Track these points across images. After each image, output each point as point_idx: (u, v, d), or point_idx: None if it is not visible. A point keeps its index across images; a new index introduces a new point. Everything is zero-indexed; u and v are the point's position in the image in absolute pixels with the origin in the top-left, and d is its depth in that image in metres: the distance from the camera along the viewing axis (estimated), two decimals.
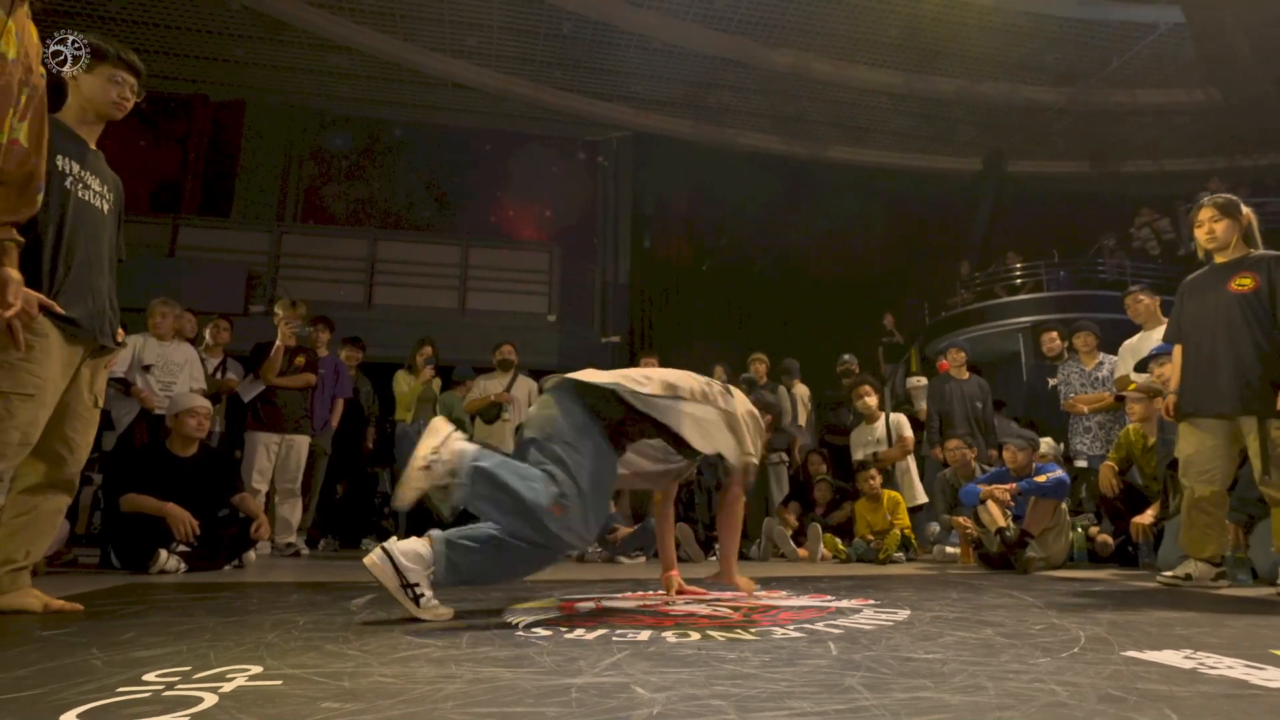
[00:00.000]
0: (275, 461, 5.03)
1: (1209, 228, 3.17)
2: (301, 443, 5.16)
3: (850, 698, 1.07)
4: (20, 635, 1.67)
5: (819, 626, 1.81)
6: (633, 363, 7.88)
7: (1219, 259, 3.20)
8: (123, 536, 3.52)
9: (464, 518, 1.94)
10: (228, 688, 1.11)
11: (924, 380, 7.05)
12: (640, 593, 2.68)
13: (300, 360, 5.23)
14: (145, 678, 1.17)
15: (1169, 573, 3.21)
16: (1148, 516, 4.16)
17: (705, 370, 2.96)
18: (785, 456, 6.24)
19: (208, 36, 9.87)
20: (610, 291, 11.51)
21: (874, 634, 1.70)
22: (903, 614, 2.06)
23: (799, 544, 5.33)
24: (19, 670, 1.25)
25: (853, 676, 1.22)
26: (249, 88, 10.98)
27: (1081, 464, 5.17)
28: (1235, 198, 3.24)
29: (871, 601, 2.38)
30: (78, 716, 0.94)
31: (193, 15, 9.44)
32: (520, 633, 1.70)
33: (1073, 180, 12.99)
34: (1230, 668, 1.34)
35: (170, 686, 1.12)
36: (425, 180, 11.79)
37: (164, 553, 3.42)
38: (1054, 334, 6.03)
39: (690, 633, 1.69)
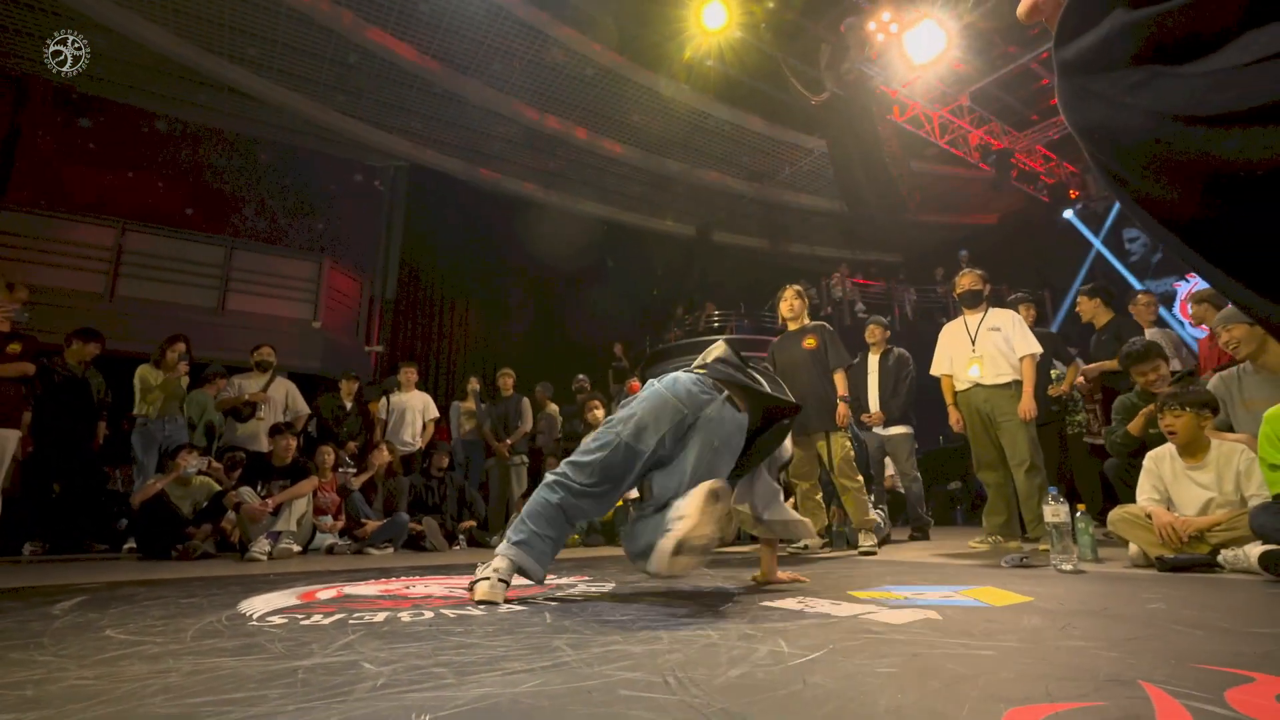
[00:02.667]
0: None
1: (790, 303, 4.01)
2: (8, 437, 4.05)
3: (555, 655, 1.10)
4: None
5: (539, 599, 1.83)
6: (391, 371, 7.40)
7: (791, 326, 4.04)
8: None
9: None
10: None
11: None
12: (384, 579, 2.49)
13: (15, 348, 4.12)
14: None
15: (792, 545, 3.81)
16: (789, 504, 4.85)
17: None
18: (526, 459, 6.29)
19: None
20: (377, 305, 10.70)
21: (582, 603, 1.76)
22: (609, 585, 2.16)
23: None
24: None
25: (560, 638, 1.25)
26: None
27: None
28: (801, 286, 4.09)
29: (585, 577, 2.47)
30: None
31: None
32: (254, 623, 1.48)
33: (756, 252, 14.77)
34: (822, 606, 1.61)
35: None
36: (191, 178, 9.99)
37: None
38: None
39: (425, 612, 1.62)
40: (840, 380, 3.79)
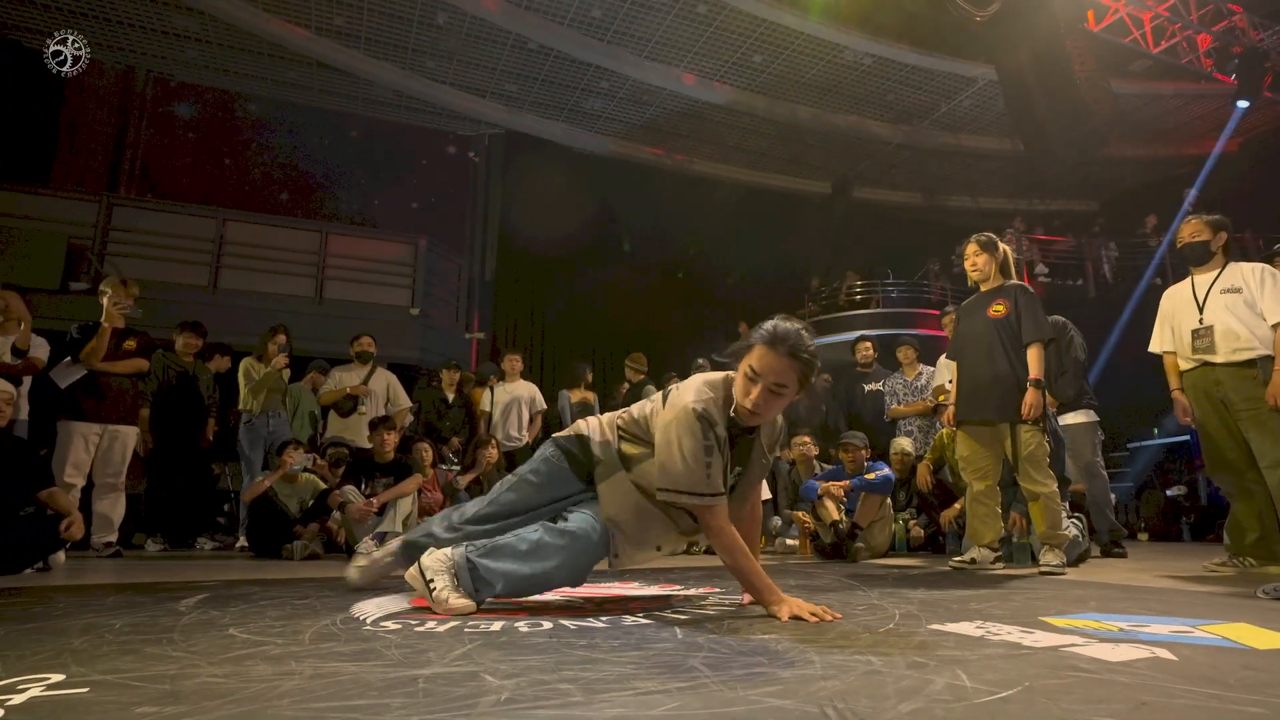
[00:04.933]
0: (96, 454, 4.50)
1: (973, 261, 3.64)
2: (127, 434, 4.65)
3: (692, 676, 1.11)
4: None
5: (667, 614, 1.85)
6: (495, 359, 7.73)
7: (983, 288, 3.66)
8: None
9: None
10: (17, 700, 0.97)
11: None
12: None
13: (130, 344, 4.70)
14: None
15: (958, 559, 3.60)
16: (955, 509, 4.60)
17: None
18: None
19: None
20: (476, 288, 11.24)
21: (717, 618, 1.76)
22: (745, 599, 2.15)
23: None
24: None
25: (695, 657, 1.26)
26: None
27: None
28: (994, 236, 3.71)
29: (716, 589, 2.47)
30: None
31: None
32: (368, 627, 1.61)
33: (906, 209, 14.10)
34: (1009, 633, 1.52)
35: None
36: (283, 161, 10.97)
37: None
38: (867, 344, 6.41)
39: (543, 622, 1.69)
40: (1034, 356, 3.41)
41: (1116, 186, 13.36)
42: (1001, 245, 3.68)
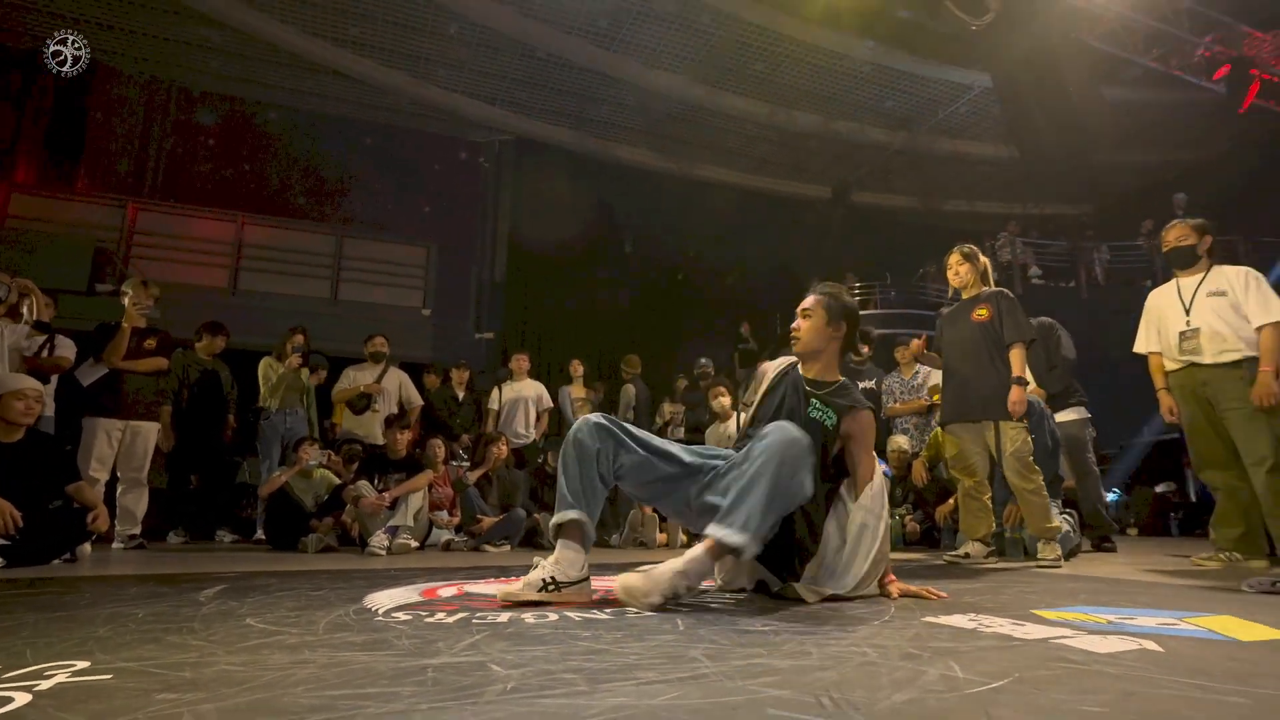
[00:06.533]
0: (119, 449, 4.52)
1: (955, 270, 3.68)
2: (148, 430, 4.68)
3: (693, 666, 1.11)
4: None
5: (668, 605, 1.85)
6: (504, 358, 7.74)
7: (965, 294, 3.69)
8: None
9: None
10: (45, 685, 0.98)
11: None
12: (503, 579, 2.63)
13: (151, 343, 4.73)
14: None
15: (952, 553, 3.60)
16: (949, 505, 4.59)
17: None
18: None
19: None
20: (486, 289, 11.26)
21: (718, 611, 1.76)
22: (744, 593, 2.16)
23: (661, 530, 5.44)
24: None
25: (696, 648, 1.26)
26: (102, 51, 9.79)
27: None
28: (975, 248, 3.75)
29: (717, 583, 2.47)
30: None
31: None
32: (380, 618, 1.62)
33: (904, 213, 14.04)
34: (1001, 625, 1.52)
35: None
36: (300, 166, 11.01)
37: None
38: (865, 346, 6.41)
39: (549, 614, 1.69)
40: (1016, 357, 3.46)
41: (1110, 191, 13.29)
42: (981, 256, 3.74)
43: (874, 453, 2.11)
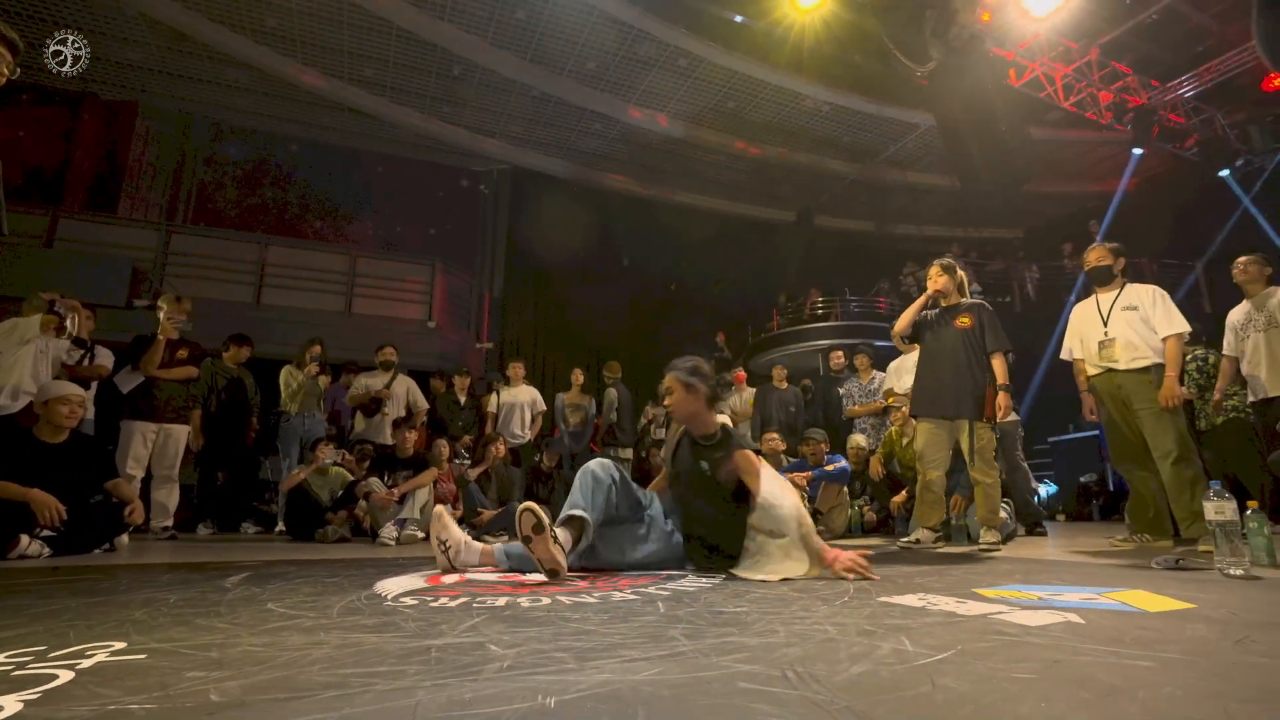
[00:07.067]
0: (153, 449, 4.45)
1: (935, 281, 3.68)
2: (179, 432, 4.61)
3: (672, 645, 1.11)
4: None
5: (651, 590, 1.85)
6: (502, 366, 7.71)
7: (944, 303, 3.69)
8: None
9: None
10: (86, 664, 0.97)
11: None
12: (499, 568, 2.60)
13: (182, 353, 4.66)
14: None
15: (905, 539, 3.62)
16: (902, 496, 4.62)
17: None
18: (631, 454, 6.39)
19: (100, 38, 8.62)
20: (486, 303, 11.22)
21: (695, 594, 1.76)
22: (719, 578, 2.16)
23: None
24: None
25: (675, 628, 1.26)
26: (142, 91, 9.70)
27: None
28: (954, 261, 3.76)
29: (695, 569, 2.47)
30: None
31: (86, 15, 8.24)
32: (389, 603, 1.60)
33: (861, 235, 14.17)
34: (946, 603, 1.53)
35: (21, 666, 0.96)
36: (319, 193, 10.94)
37: (25, 538, 2.92)
38: (839, 353, 6.51)
39: (542, 598, 1.68)
40: (999, 365, 3.45)
41: (1037, 217, 13.51)
42: (959, 270, 3.74)
43: (759, 474, 2.26)
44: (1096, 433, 8.20)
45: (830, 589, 1.84)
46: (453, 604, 1.57)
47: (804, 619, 1.35)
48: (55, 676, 0.90)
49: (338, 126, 10.56)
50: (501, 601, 1.61)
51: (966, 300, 3.69)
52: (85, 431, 3.82)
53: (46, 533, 3.02)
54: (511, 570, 2.30)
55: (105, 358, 4.36)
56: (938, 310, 3.74)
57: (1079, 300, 3.87)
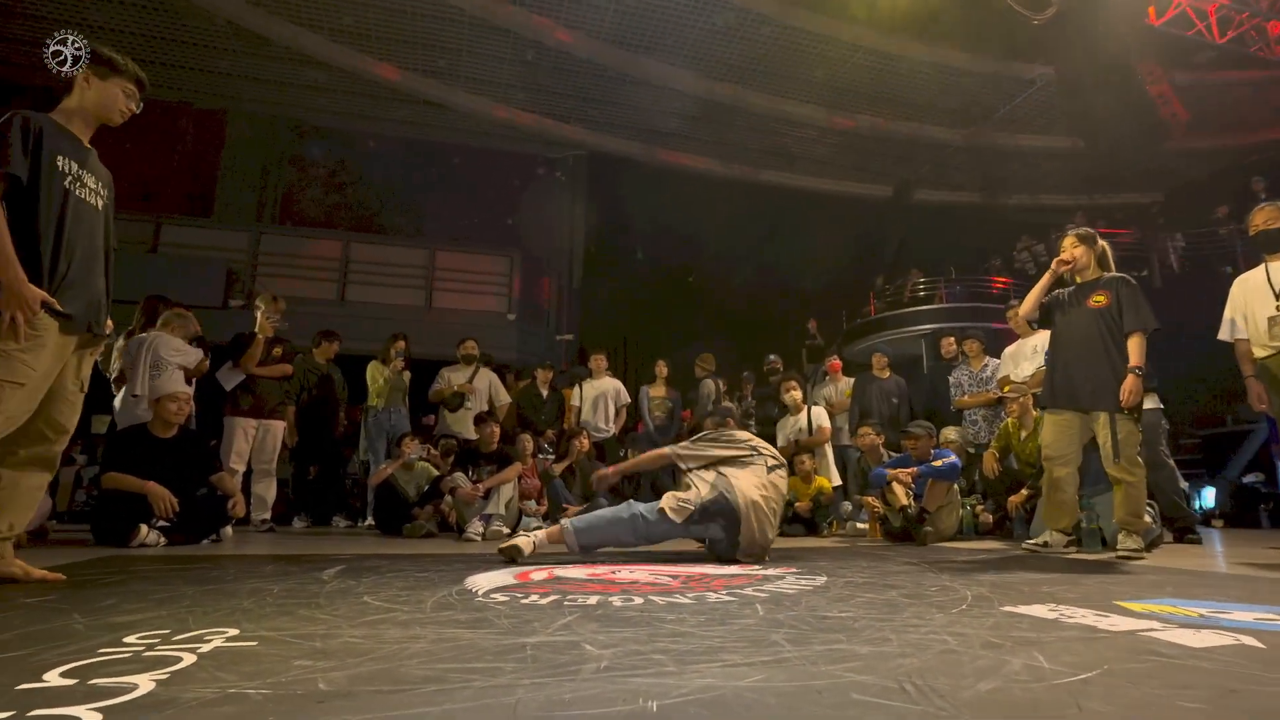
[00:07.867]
0: (253, 445, 4.83)
1: (1071, 254, 3.37)
2: (277, 427, 4.97)
3: (775, 650, 1.09)
4: (4, 602, 1.57)
5: (748, 591, 1.83)
6: (583, 358, 7.82)
7: (1079, 279, 3.39)
8: (105, 513, 3.34)
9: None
10: (206, 648, 1.07)
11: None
12: (590, 564, 2.66)
13: (278, 351, 5.02)
14: (125, 640, 1.12)
15: (1032, 541, 3.39)
16: (1021, 495, 4.35)
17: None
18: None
19: (193, 49, 9.41)
20: (564, 295, 11.44)
21: (795, 597, 1.73)
22: (820, 580, 2.11)
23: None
24: (3, 634, 1.17)
25: (777, 633, 1.24)
26: (231, 97, 10.51)
27: (971, 450, 5.35)
28: (1093, 230, 3.43)
29: (793, 569, 2.43)
30: (60, 675, 0.89)
31: (179, 28, 9.01)
32: (480, 599, 1.67)
33: (967, 209, 13.44)
34: (1084, 617, 1.42)
35: (150, 648, 1.07)
36: (397, 188, 11.50)
37: (144, 527, 3.26)
38: (950, 339, 6.20)
39: (634, 598, 1.70)
40: (1136, 346, 3.13)
41: (1180, 177, 12.33)
42: (1100, 240, 3.43)
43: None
44: (1263, 424, 7.42)
45: (945, 595, 1.76)
46: (544, 601, 1.62)
47: (918, 627, 1.30)
48: (180, 659, 0.99)
49: (414, 120, 11.04)
50: (593, 600, 1.64)
51: (1107, 275, 3.36)
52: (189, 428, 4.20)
53: (161, 523, 3.35)
54: (582, 547, 2.81)
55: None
56: (1071, 288, 3.45)
57: (1240, 273, 3.49)
